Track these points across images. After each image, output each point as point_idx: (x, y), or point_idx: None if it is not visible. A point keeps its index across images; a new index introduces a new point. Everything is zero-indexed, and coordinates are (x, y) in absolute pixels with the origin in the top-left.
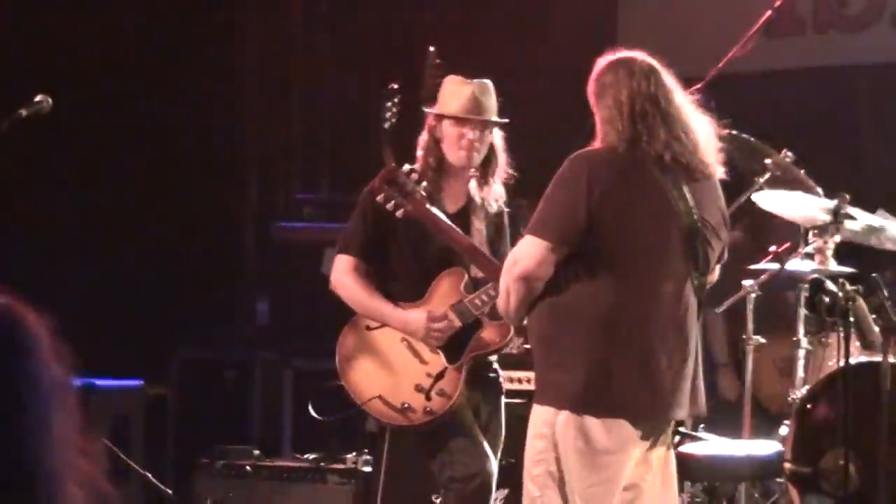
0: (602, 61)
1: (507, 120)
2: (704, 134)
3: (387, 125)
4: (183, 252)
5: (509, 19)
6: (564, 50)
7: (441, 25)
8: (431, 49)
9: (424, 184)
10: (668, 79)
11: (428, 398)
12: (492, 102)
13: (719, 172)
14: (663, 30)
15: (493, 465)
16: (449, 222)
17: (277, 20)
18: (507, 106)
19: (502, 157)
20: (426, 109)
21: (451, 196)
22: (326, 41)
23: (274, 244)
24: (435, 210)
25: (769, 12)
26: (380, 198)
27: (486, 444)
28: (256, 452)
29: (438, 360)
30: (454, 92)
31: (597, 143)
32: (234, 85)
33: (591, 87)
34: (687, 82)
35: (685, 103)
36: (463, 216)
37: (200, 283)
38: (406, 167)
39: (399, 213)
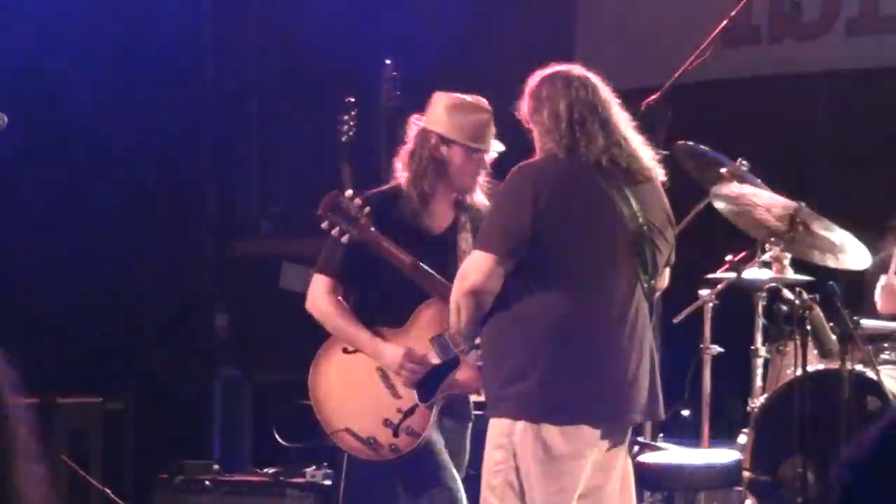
0: (536, 76)
1: (503, 148)
2: (639, 143)
3: (344, 138)
4: (141, 266)
5: (467, 31)
6: (521, 61)
7: (397, 37)
8: (388, 62)
9: (368, 209)
10: (604, 89)
11: (395, 434)
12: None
13: (660, 175)
14: (621, 41)
15: (461, 493)
16: (393, 245)
17: (233, 33)
18: None
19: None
20: (429, 128)
21: (439, 215)
22: (282, 55)
23: (232, 259)
24: (376, 231)
25: (725, 22)
26: (324, 224)
27: (453, 469)
28: (216, 467)
29: (411, 396)
30: (470, 119)
31: (537, 155)
32: (190, 99)
33: (527, 103)
34: (645, 92)
35: (621, 113)
36: (451, 234)
37: (160, 297)
38: (349, 192)
39: (344, 238)
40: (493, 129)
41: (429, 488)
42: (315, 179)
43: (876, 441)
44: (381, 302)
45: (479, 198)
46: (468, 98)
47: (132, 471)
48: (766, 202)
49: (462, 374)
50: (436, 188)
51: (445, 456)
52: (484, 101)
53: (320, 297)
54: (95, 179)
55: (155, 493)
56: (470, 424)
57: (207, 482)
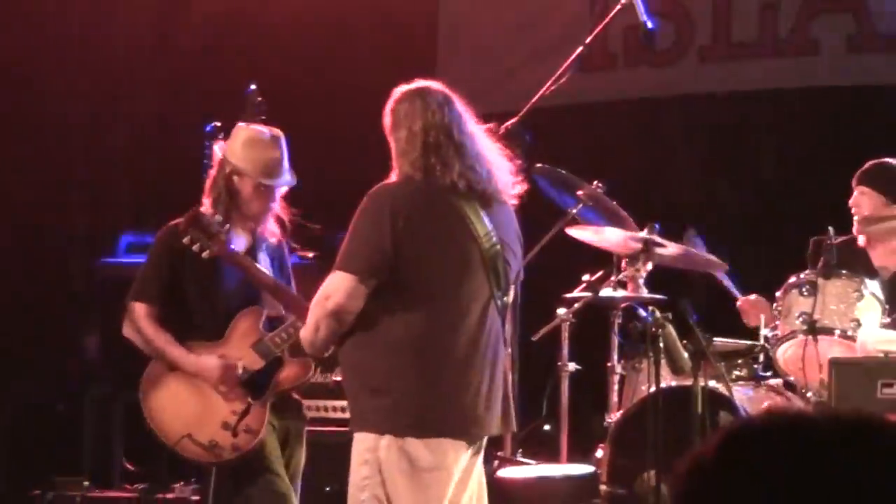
0: (398, 91)
1: (296, 182)
2: (497, 162)
3: (209, 161)
4: (13, 288)
5: (329, 54)
6: (383, 83)
7: (263, 57)
8: (253, 87)
9: (228, 226)
10: (462, 108)
11: (235, 435)
12: (287, 159)
13: (513, 199)
14: (481, 65)
15: (294, 501)
16: (252, 262)
17: (100, 53)
18: (322, 137)
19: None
20: (222, 153)
21: (239, 236)
22: (151, 73)
23: (100, 280)
24: (235, 249)
25: (580, 49)
26: (186, 240)
27: (287, 480)
28: (86, 483)
29: (243, 397)
30: (261, 154)
31: (393, 175)
32: (62, 118)
33: (387, 118)
34: (504, 116)
35: (478, 132)
36: (251, 255)
37: (30, 317)
38: (209, 210)
39: (205, 254)
40: (284, 164)
41: (263, 484)
42: (185, 201)
43: (713, 450)
44: (199, 319)
45: (272, 227)
46: (265, 133)
47: (5, 489)
48: (613, 241)
49: (286, 373)
50: (231, 214)
51: (281, 468)
52: (280, 137)
53: (137, 322)
54: None
55: None
56: (304, 425)
57: (78, 499)
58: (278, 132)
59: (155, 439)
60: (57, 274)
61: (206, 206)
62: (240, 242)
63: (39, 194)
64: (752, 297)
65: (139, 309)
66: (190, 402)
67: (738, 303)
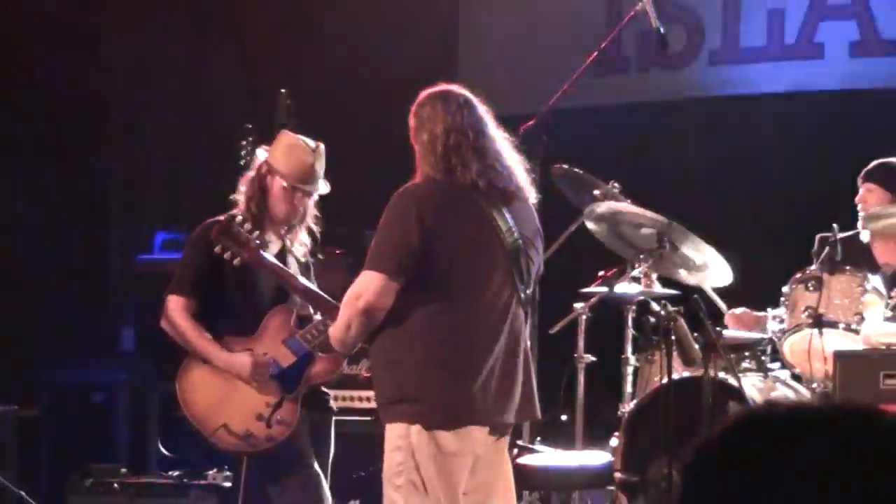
0: (421, 95)
1: (329, 189)
2: (517, 161)
3: (241, 162)
4: (52, 282)
5: (353, 58)
6: (407, 86)
7: (295, 62)
8: (283, 91)
9: (258, 233)
10: (482, 110)
11: (269, 426)
12: (323, 169)
13: (532, 196)
14: (500, 69)
15: (324, 488)
16: (283, 266)
17: (136, 57)
18: (349, 138)
19: (312, 211)
20: (263, 156)
21: (270, 239)
22: (183, 80)
23: (136, 275)
24: (268, 256)
25: (595, 53)
26: (217, 249)
27: (317, 468)
28: (123, 470)
29: (276, 390)
30: (296, 159)
31: (417, 176)
32: (98, 123)
33: (411, 120)
34: (523, 118)
35: (497, 134)
36: (281, 258)
37: (69, 311)
38: (239, 218)
39: (236, 261)
40: (318, 172)
41: (296, 473)
42: (218, 199)
43: (718, 438)
44: (234, 315)
45: (304, 237)
46: (307, 143)
47: (46, 474)
48: (637, 216)
49: (317, 367)
50: (262, 214)
51: (312, 458)
52: (320, 147)
53: (173, 315)
54: (8, 194)
55: (67, 496)
56: (332, 417)
57: (115, 485)
58: (320, 144)
59: (190, 428)
60: (95, 270)
61: (240, 202)
62: (273, 246)
63: (80, 199)
64: (739, 310)
65: (174, 302)
66: (225, 395)
67: (725, 318)
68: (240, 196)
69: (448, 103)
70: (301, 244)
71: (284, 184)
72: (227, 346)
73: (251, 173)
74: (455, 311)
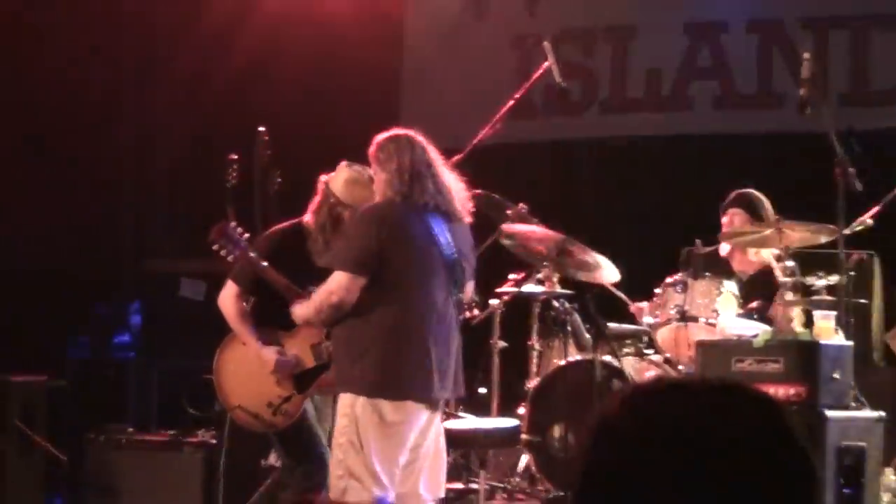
0: (384, 134)
1: None
2: (457, 188)
3: (228, 185)
4: (75, 279)
5: (320, 101)
6: (353, 127)
7: (272, 103)
8: (261, 129)
9: (247, 235)
10: (430, 147)
11: (275, 414)
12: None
13: (468, 218)
14: (436, 111)
15: (327, 453)
16: (267, 266)
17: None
18: (313, 171)
19: None
20: (333, 190)
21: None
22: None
23: (144, 273)
24: (254, 255)
25: (511, 102)
26: (214, 246)
27: (321, 434)
28: (130, 429)
29: (289, 387)
30: (360, 192)
31: (378, 197)
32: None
33: (375, 153)
34: (453, 152)
35: (444, 167)
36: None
37: (90, 302)
38: (233, 223)
39: (230, 258)
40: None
41: (307, 444)
42: (211, 214)
43: (616, 408)
44: (279, 311)
45: None
46: (364, 174)
47: (69, 433)
48: (539, 236)
49: (330, 375)
50: (333, 235)
51: (315, 422)
52: (371, 175)
53: (229, 299)
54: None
55: (85, 449)
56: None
57: (123, 440)
58: (371, 174)
59: (212, 392)
60: (110, 269)
61: (310, 225)
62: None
63: (92, 215)
64: (642, 303)
65: (230, 287)
66: (249, 376)
67: (631, 307)
68: (310, 218)
69: (411, 142)
70: None
71: (349, 215)
72: (268, 335)
73: (318, 199)
74: (402, 307)
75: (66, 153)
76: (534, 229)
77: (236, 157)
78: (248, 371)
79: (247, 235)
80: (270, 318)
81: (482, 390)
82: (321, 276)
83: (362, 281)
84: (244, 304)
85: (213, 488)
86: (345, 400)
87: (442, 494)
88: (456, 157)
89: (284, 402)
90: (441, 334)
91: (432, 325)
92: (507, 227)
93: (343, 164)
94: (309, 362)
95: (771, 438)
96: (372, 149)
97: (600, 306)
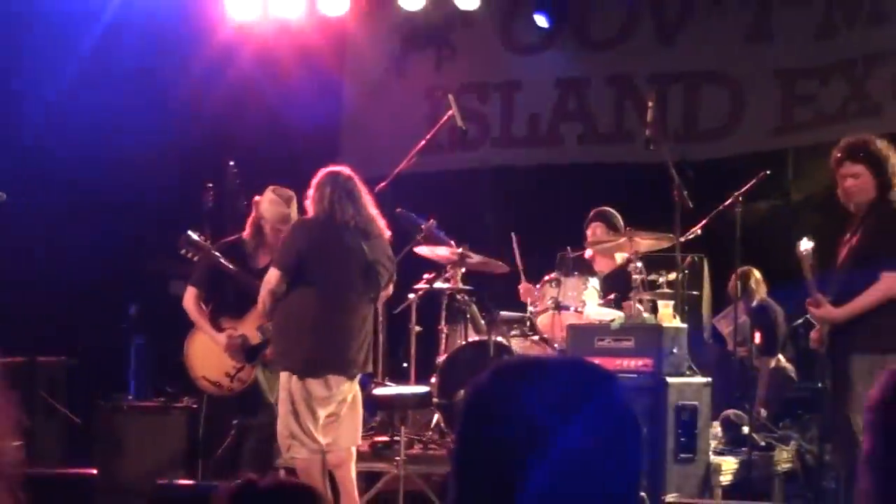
0: (324, 169)
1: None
2: (374, 211)
3: (205, 209)
4: (85, 279)
5: (269, 144)
6: (304, 162)
7: (238, 140)
8: (231, 163)
9: (207, 241)
10: (357, 181)
11: (232, 381)
12: (295, 213)
13: (387, 233)
14: (367, 148)
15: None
16: (224, 261)
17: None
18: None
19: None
20: (259, 208)
21: (262, 258)
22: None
23: (141, 274)
24: (217, 255)
25: (423, 141)
26: (182, 251)
27: (272, 400)
28: (130, 397)
29: (241, 359)
30: (276, 209)
31: (309, 214)
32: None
33: (314, 183)
34: (380, 179)
35: (366, 195)
36: (266, 269)
37: (96, 297)
38: (192, 233)
39: (195, 259)
40: (294, 214)
41: (258, 407)
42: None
43: (487, 377)
44: (230, 302)
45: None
46: (283, 195)
47: (82, 401)
48: (442, 254)
49: (270, 350)
50: (261, 242)
51: (266, 389)
52: (292, 198)
53: (190, 300)
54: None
55: (95, 413)
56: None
57: (125, 407)
58: (292, 194)
59: (184, 370)
60: (113, 270)
61: (246, 235)
62: (264, 259)
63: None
64: (528, 285)
65: (190, 291)
66: (209, 355)
67: (521, 285)
68: (246, 231)
69: (337, 176)
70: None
71: (270, 227)
72: (220, 323)
73: (253, 215)
74: (324, 301)
75: None
76: (436, 251)
77: (211, 184)
78: (209, 351)
79: (207, 241)
80: (226, 309)
81: (405, 364)
82: (258, 275)
83: (288, 277)
84: (202, 305)
85: (196, 441)
86: (283, 377)
87: (359, 442)
88: (382, 184)
89: (238, 371)
90: (355, 326)
91: (348, 317)
92: (419, 250)
93: (269, 188)
94: (255, 339)
95: (598, 399)
96: (314, 180)
97: (493, 298)
